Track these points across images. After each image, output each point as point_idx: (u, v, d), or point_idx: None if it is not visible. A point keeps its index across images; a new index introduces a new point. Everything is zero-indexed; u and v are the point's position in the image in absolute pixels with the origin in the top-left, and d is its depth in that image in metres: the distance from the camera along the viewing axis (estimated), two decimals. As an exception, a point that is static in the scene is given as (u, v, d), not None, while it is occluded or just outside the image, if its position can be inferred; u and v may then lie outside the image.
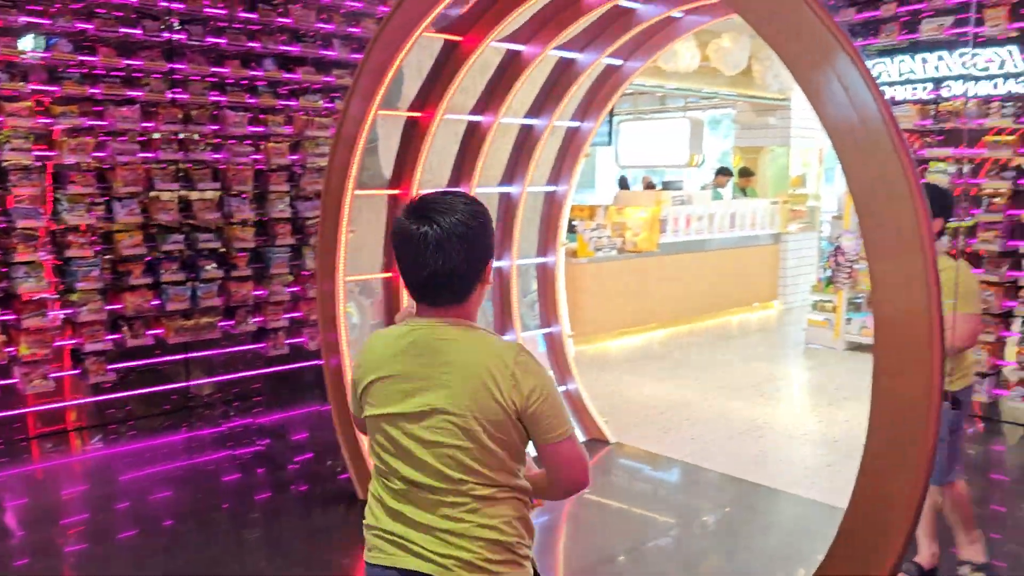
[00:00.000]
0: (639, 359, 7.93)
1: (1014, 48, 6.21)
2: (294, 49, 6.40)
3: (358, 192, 4.34)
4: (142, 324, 5.78)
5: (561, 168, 5.38)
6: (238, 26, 6.09)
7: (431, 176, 4.79)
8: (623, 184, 12.95)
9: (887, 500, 2.37)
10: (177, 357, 5.99)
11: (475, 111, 4.76)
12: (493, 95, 4.70)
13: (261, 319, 6.32)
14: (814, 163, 11.51)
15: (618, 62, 5.00)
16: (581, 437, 5.10)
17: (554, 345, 5.58)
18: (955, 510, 3.49)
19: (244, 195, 6.10)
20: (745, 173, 10.75)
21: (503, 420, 1.68)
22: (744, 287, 10.46)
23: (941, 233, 3.58)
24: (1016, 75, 6.28)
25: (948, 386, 2.81)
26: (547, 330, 5.60)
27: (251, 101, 6.18)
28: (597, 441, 5.44)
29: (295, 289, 6.45)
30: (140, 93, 5.67)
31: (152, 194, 5.75)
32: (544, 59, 4.58)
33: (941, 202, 4.73)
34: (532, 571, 1.79)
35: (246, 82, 6.19)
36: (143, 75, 5.69)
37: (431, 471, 1.69)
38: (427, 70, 4.50)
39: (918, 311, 2.30)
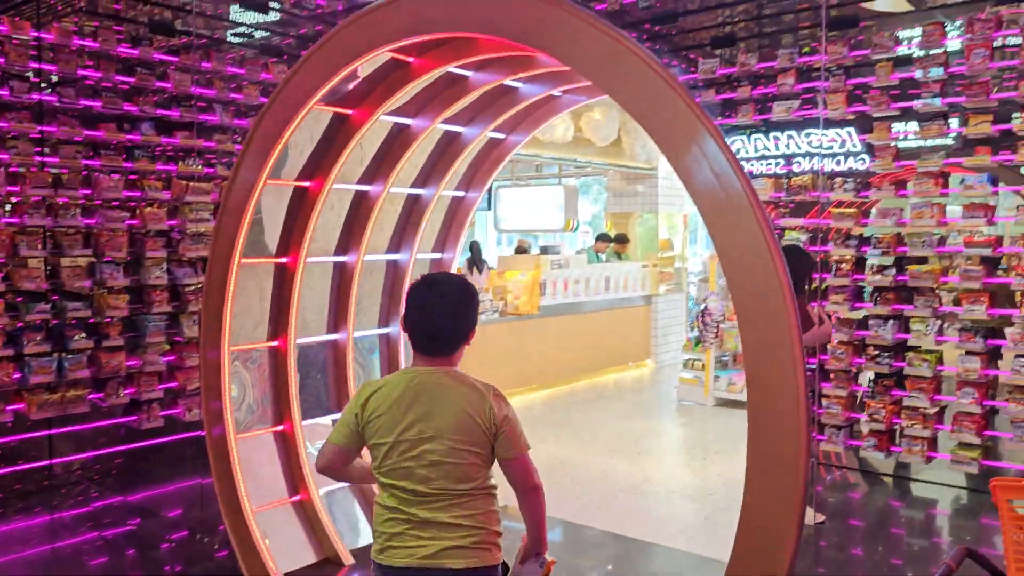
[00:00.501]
0: (521, 421, 8.05)
1: (852, 130, 6.93)
2: (173, 113, 6.31)
3: (245, 261, 4.32)
4: (1, 400, 5.42)
5: (447, 235, 5.51)
6: (110, 85, 5.96)
7: (317, 244, 4.80)
8: (474, 250, 12.67)
9: (766, 550, 2.56)
10: (40, 434, 5.63)
11: (364, 180, 4.84)
12: (382, 165, 4.80)
13: (133, 390, 6.05)
14: (680, 227, 12.22)
15: (501, 136, 5.23)
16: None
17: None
18: None
19: (117, 261, 5.89)
20: (622, 239, 11.28)
21: (483, 440, 2.31)
22: (619, 347, 10.87)
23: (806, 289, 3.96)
24: (855, 153, 7.00)
25: None
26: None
27: (127, 165, 6.02)
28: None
29: (171, 359, 6.22)
30: (6, 156, 5.42)
31: (17, 260, 5.46)
32: (432, 132, 4.73)
33: (803, 261, 5.23)
34: (501, 558, 2.36)
35: (121, 145, 6.03)
36: (10, 137, 5.46)
37: (429, 482, 2.26)
38: (316, 140, 4.56)
39: (786, 371, 2.54)
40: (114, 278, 5.86)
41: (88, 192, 5.81)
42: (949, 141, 6.06)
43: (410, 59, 4.07)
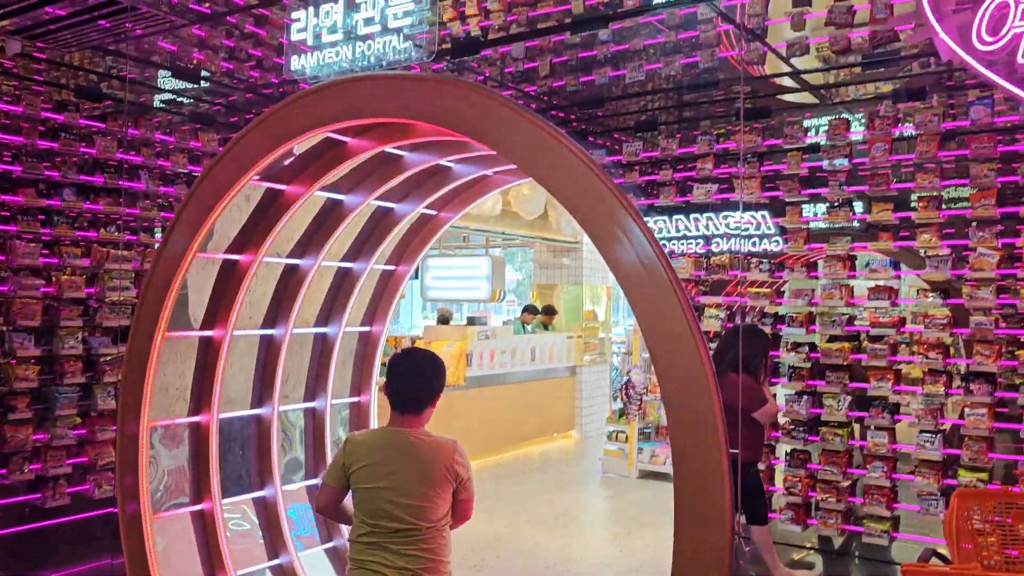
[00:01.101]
0: (447, 494, 7.97)
1: (766, 213, 7.29)
2: (97, 179, 6.19)
3: (170, 333, 4.24)
4: None
5: (377, 309, 5.52)
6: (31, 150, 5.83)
7: (245, 317, 4.75)
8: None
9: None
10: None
11: (295, 254, 4.83)
12: (313, 239, 4.81)
13: (39, 466, 5.75)
14: (603, 298, 12.49)
15: (433, 212, 5.32)
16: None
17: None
18: None
19: (29, 330, 5.66)
20: (548, 311, 11.43)
21: (446, 487, 2.89)
22: (545, 418, 10.91)
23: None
24: (769, 235, 7.35)
25: None
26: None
27: (45, 231, 5.85)
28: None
29: (81, 432, 5.96)
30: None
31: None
32: (365, 208, 4.78)
33: (759, 341, 5.36)
34: None
35: (39, 210, 5.87)
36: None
37: (402, 520, 2.81)
38: (247, 213, 4.55)
39: (709, 443, 2.64)
40: (24, 347, 5.63)
41: (2, 258, 5.61)
42: (855, 225, 6.44)
43: (346, 139, 4.14)
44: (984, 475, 5.41)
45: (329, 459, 5.20)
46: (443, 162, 4.62)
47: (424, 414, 3.02)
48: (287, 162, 4.25)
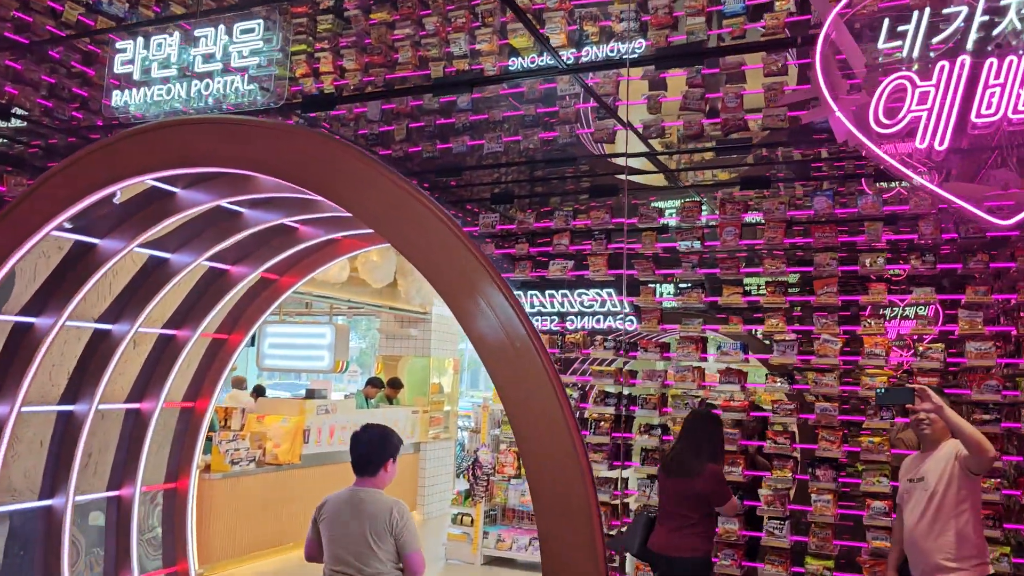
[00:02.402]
0: (275, 587, 7.20)
1: (612, 290, 7.27)
2: None
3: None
4: None
5: (203, 382, 4.91)
6: None
7: (42, 388, 4.04)
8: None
9: None
10: None
11: (107, 319, 4.20)
12: (131, 302, 4.21)
13: None
14: (450, 371, 12.13)
15: (274, 277, 4.84)
16: None
17: (180, 587, 4.81)
18: None
19: None
20: (395, 384, 10.92)
21: (385, 538, 3.38)
22: (385, 498, 10.29)
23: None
24: (617, 313, 7.32)
25: None
26: (172, 569, 4.83)
27: None
28: None
29: None
30: None
31: None
32: (195, 269, 4.25)
33: (720, 428, 4.97)
34: None
35: None
36: None
37: (350, 565, 3.36)
38: (46, 272, 3.90)
39: (578, 521, 2.34)
40: None
41: None
42: (703, 307, 6.49)
43: (175, 189, 3.64)
44: (830, 563, 5.42)
45: (133, 553, 4.49)
46: (288, 222, 4.19)
47: (379, 476, 3.54)
48: (104, 211, 3.69)
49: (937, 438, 3.88)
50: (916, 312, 6.37)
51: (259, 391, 11.11)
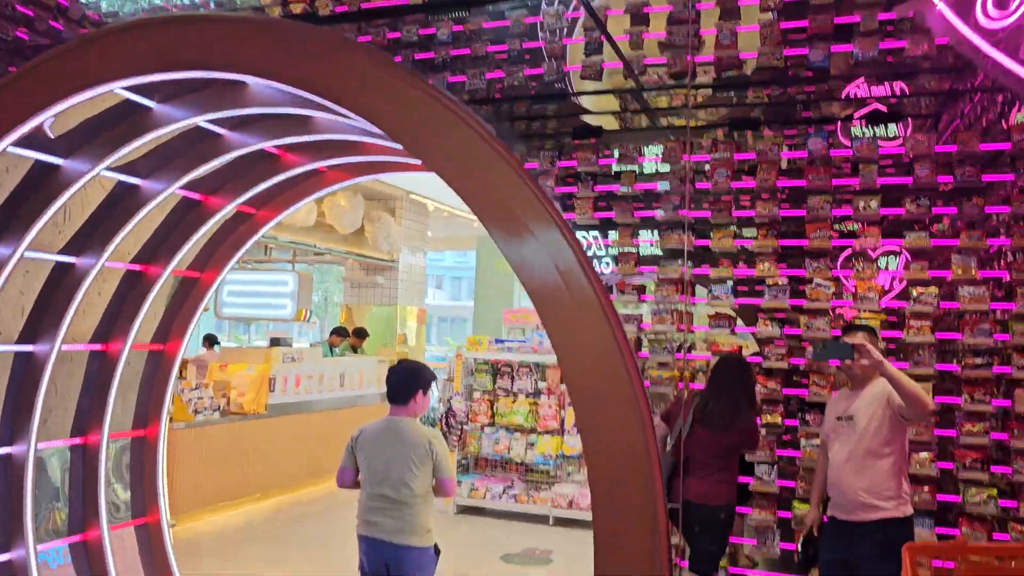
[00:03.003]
0: (242, 541, 6.94)
1: (597, 234, 7.05)
2: None
3: None
4: None
5: (173, 323, 4.57)
6: None
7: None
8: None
9: None
10: None
11: (69, 251, 3.83)
12: (96, 233, 3.84)
13: None
14: (413, 323, 11.87)
15: (251, 211, 4.49)
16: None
17: (152, 541, 4.52)
18: None
19: None
20: (360, 333, 10.62)
21: (426, 462, 3.71)
22: (352, 449, 10.06)
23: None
24: (600, 257, 7.12)
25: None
26: (142, 522, 4.54)
27: None
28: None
29: None
30: None
31: None
32: (168, 198, 3.89)
33: (751, 372, 4.72)
34: (434, 542, 3.79)
35: None
36: None
37: (396, 489, 3.68)
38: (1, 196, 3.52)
39: (640, 482, 2.14)
40: None
41: None
42: (690, 249, 6.30)
43: (151, 103, 3.27)
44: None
45: (102, 504, 4.19)
46: (271, 147, 3.84)
47: (410, 406, 3.87)
48: (67, 128, 3.31)
49: (867, 376, 3.88)
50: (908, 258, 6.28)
51: (210, 340, 10.68)
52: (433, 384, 4.02)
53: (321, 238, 9.56)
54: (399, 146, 2.43)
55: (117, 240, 3.82)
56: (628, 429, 2.11)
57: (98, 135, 3.32)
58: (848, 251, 5.70)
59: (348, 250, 10.10)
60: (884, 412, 3.78)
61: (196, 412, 7.44)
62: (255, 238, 4.63)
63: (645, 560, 2.05)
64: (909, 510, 3.86)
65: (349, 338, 10.62)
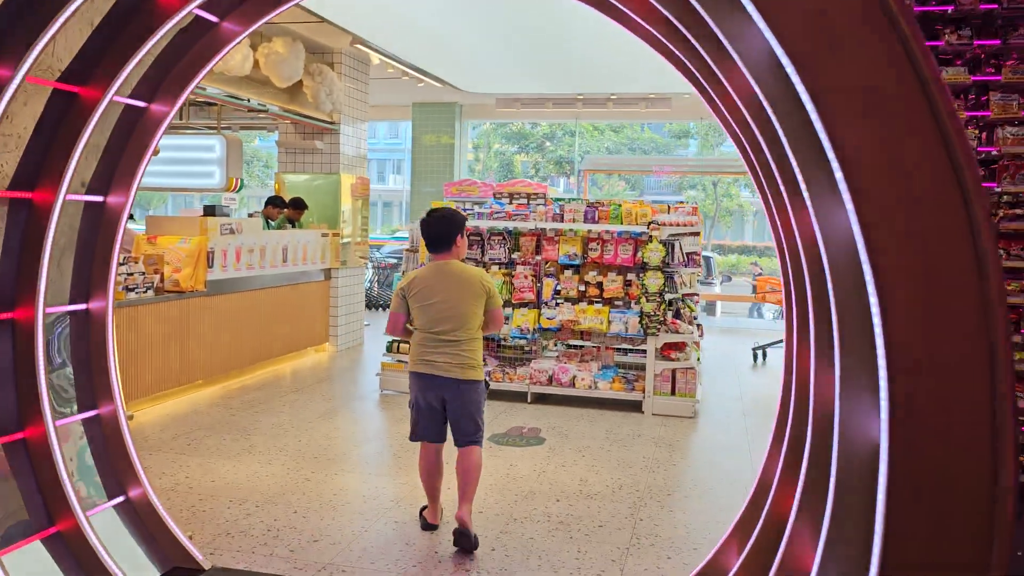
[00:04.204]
0: (193, 432, 6.14)
1: None
2: None
3: None
4: None
5: (117, 168, 3.59)
6: None
7: None
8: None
9: None
10: None
11: (-25, 56, 2.80)
12: (11, 33, 2.81)
13: None
14: (348, 194, 10.84)
15: (213, 19, 3.48)
16: (161, 568, 3.59)
17: (107, 436, 3.70)
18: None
19: None
20: (298, 204, 9.58)
21: (480, 298, 4.09)
22: (297, 329, 9.23)
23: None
24: None
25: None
26: (91, 413, 3.69)
27: None
28: (185, 571, 3.71)
29: None
30: None
31: None
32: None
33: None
34: (483, 375, 4.20)
35: None
36: None
37: (448, 326, 4.02)
38: None
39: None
40: None
41: None
42: None
43: None
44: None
45: (44, 397, 3.31)
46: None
47: (454, 250, 4.13)
48: None
49: None
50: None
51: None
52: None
53: (255, 92, 8.34)
54: None
55: (42, 43, 2.81)
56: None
57: None
58: None
59: (286, 107, 8.91)
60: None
61: (128, 290, 6.44)
62: (217, 58, 3.63)
63: (973, 540, 1.43)
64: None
65: (287, 209, 9.59)
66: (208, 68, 3.64)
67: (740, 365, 9.84)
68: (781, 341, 10.15)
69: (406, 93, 13.40)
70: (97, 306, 3.70)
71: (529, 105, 13.95)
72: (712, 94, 3.22)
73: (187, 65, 3.53)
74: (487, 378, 4.18)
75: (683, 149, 30.86)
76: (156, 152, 3.79)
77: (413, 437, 4.26)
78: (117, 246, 3.69)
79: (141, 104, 3.55)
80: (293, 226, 9.57)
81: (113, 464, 3.72)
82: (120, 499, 3.71)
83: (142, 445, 5.64)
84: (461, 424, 4.13)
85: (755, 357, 10.15)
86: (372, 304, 14.28)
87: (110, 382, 3.74)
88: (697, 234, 7.41)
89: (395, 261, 18.16)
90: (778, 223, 3.02)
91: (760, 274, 17.21)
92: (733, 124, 3.18)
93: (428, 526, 4.28)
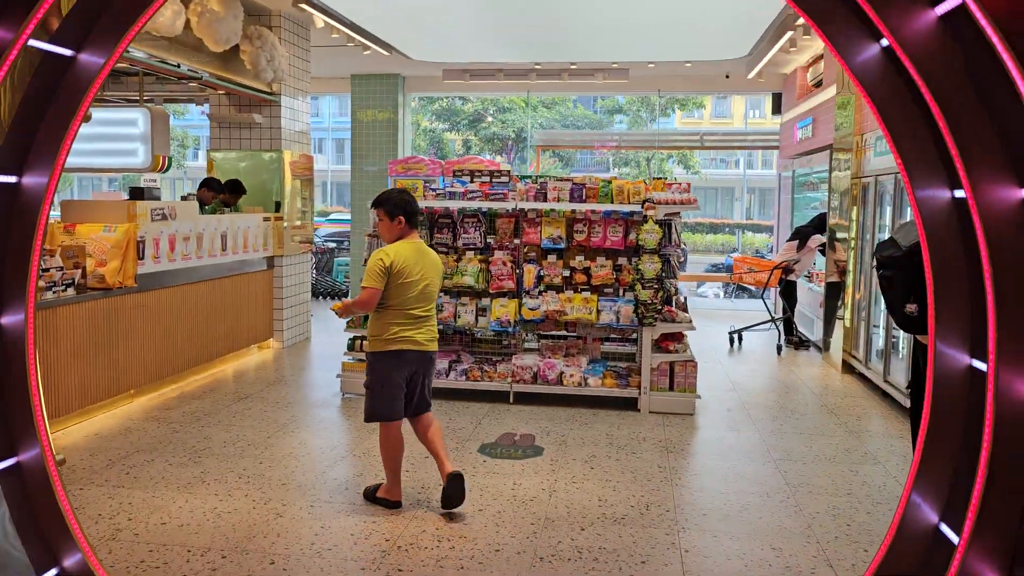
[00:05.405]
0: (130, 456, 5.20)
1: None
2: None
3: None
4: None
5: (36, 135, 2.70)
6: None
7: None
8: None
9: None
10: None
11: None
12: None
13: None
14: (287, 173, 9.85)
15: (163, -63, 2.61)
16: None
17: (30, 491, 2.82)
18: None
19: None
20: (235, 188, 8.58)
21: (441, 276, 4.46)
22: (238, 326, 8.28)
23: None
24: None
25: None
26: (10, 462, 2.81)
27: None
28: (143, 662, 2.87)
29: None
30: None
31: None
32: None
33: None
34: None
35: None
36: None
37: (427, 303, 4.30)
38: None
39: None
40: None
41: None
42: None
43: None
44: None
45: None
46: None
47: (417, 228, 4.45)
48: None
49: None
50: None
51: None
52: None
53: (186, 57, 7.29)
54: None
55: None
56: None
57: None
58: None
59: (220, 74, 7.87)
60: None
61: (46, 287, 5.43)
62: (159, 5, 2.75)
63: None
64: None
65: (223, 194, 8.58)
66: (153, 11, 2.77)
67: (719, 351, 9.33)
68: (757, 325, 9.75)
69: (348, 64, 12.38)
70: (11, 320, 2.81)
71: (479, 76, 13.08)
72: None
73: (124, 9, 2.65)
74: None
75: (614, 125, 30.45)
76: (88, 118, 2.90)
77: (388, 418, 4.26)
78: (38, 242, 2.80)
79: (67, 52, 2.66)
80: (229, 210, 8.58)
81: (41, 527, 2.84)
82: (53, 572, 2.85)
83: (68, 478, 4.70)
84: (425, 393, 4.40)
85: (731, 342, 9.68)
86: (313, 292, 13.31)
87: (33, 418, 2.85)
88: (696, 209, 6.78)
89: (333, 245, 17.12)
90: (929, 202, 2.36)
91: (735, 252, 16.92)
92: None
93: (393, 504, 4.32)
